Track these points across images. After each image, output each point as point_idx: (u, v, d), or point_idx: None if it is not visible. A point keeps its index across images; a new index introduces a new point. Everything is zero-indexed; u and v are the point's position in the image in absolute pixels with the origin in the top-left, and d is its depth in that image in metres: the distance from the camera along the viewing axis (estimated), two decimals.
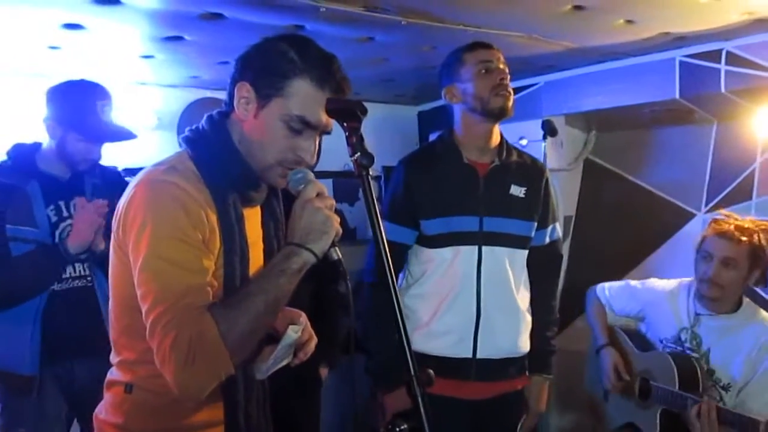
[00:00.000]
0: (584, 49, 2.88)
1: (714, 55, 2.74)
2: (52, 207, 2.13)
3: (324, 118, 1.31)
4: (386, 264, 1.22)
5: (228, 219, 1.31)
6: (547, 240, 2.30)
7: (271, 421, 1.56)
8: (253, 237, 1.40)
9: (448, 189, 2.15)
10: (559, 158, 3.41)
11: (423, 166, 2.21)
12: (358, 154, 1.26)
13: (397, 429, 1.16)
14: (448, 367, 2.11)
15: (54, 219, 2.13)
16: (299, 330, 1.42)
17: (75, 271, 2.17)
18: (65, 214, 2.14)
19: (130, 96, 3.23)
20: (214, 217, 1.28)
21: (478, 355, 2.14)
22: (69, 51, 2.61)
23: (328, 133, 1.36)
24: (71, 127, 2.14)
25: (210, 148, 1.34)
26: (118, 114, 2.36)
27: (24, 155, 2.18)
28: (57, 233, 2.11)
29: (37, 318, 2.09)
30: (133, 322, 1.26)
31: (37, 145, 2.20)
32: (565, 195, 3.55)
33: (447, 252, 2.15)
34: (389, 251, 2.15)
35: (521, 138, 3.33)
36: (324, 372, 2.63)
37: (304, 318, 1.48)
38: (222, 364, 1.19)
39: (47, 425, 2.13)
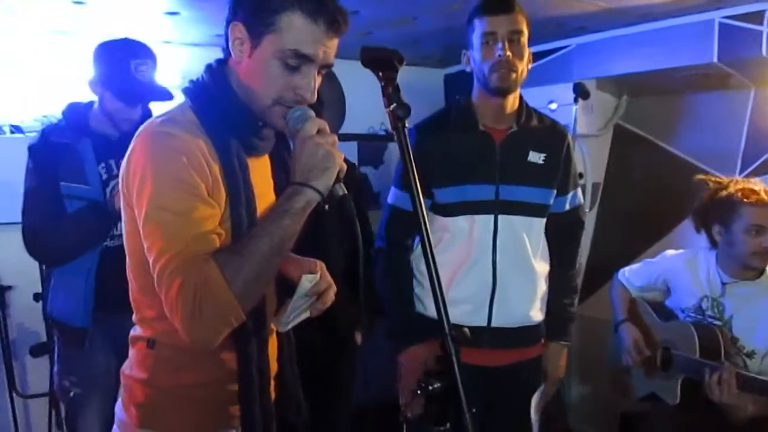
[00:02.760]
0: (618, 10, 2.79)
1: (756, 17, 2.63)
2: (102, 165, 2.15)
3: (321, 51, 1.26)
4: (423, 226, 1.20)
5: (231, 168, 1.28)
6: (567, 207, 2.25)
7: (298, 377, 1.56)
8: (262, 188, 1.38)
9: (463, 156, 2.10)
10: (588, 123, 3.34)
11: (436, 133, 2.16)
12: (394, 104, 1.23)
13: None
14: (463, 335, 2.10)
15: (105, 177, 2.15)
16: (314, 279, 1.40)
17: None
18: (115, 172, 2.16)
19: (157, 56, 3.21)
20: (217, 167, 1.26)
21: (493, 324, 2.12)
22: (93, 6, 2.59)
23: (329, 66, 1.31)
24: (106, 87, 2.15)
25: (208, 96, 1.31)
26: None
27: (77, 114, 2.20)
28: (107, 191, 2.13)
29: (90, 273, 2.13)
30: (150, 280, 1.25)
31: (90, 104, 2.22)
32: (593, 161, 3.48)
33: (462, 221, 2.11)
34: (399, 219, 2.15)
35: (551, 102, 3.26)
36: (359, 337, 2.64)
37: (320, 266, 1.46)
38: (230, 310, 1.17)
39: (96, 376, 2.18)
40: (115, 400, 1.40)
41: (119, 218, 2.15)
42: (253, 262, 1.18)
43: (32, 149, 2.13)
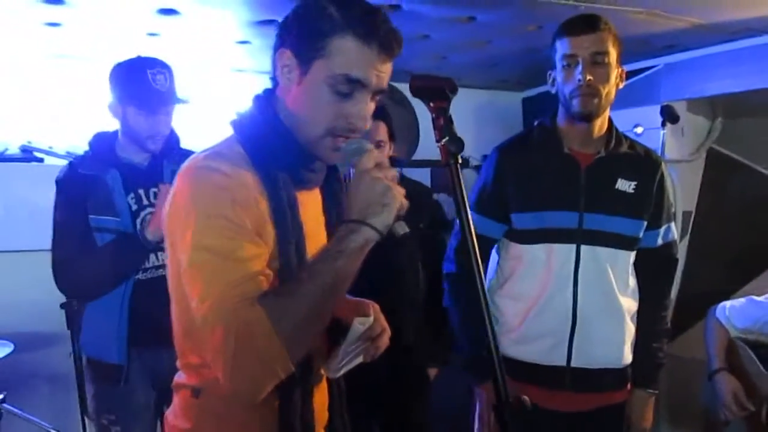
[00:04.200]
0: (712, 26, 2.59)
1: None
2: (132, 195, 2.12)
3: (373, 75, 1.17)
4: (474, 261, 1.10)
5: (280, 203, 1.19)
6: (660, 242, 2.06)
7: (349, 424, 1.45)
8: (312, 223, 1.29)
9: (544, 181, 1.97)
10: (679, 148, 3.13)
11: (518, 155, 2.04)
12: (446, 138, 1.12)
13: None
14: (541, 374, 1.95)
15: (134, 207, 2.12)
16: (367, 322, 1.29)
17: (158, 260, 2.15)
18: (145, 202, 2.13)
19: (228, 83, 3.25)
20: (265, 203, 1.18)
21: (573, 364, 1.97)
22: (167, 38, 2.63)
23: (382, 92, 1.22)
24: (126, 101, 2.11)
25: (256, 128, 1.24)
26: (215, 100, 2.32)
27: (103, 144, 2.18)
28: (138, 222, 2.10)
29: (123, 307, 2.08)
30: (192, 325, 1.16)
31: (115, 134, 2.20)
32: (684, 188, 3.25)
33: (539, 249, 1.97)
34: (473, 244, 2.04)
35: (636, 125, 3.07)
36: (433, 372, 2.52)
37: (374, 309, 1.36)
38: (276, 360, 1.07)
39: (136, 413, 2.13)
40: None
41: (151, 250, 2.16)
42: (303, 306, 1.09)
43: (60, 182, 2.11)
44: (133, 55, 2.17)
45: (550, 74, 1.99)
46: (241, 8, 2.35)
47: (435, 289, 2.23)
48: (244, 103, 3.13)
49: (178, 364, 1.32)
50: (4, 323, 2.67)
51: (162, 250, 2.15)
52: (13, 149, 2.97)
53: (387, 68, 1.19)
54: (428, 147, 2.07)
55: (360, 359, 1.33)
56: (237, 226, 1.12)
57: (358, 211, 1.12)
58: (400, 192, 1.14)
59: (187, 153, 2.31)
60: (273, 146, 1.21)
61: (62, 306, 2.58)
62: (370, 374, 1.52)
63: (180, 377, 1.33)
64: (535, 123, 2.11)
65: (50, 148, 3.02)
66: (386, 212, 1.12)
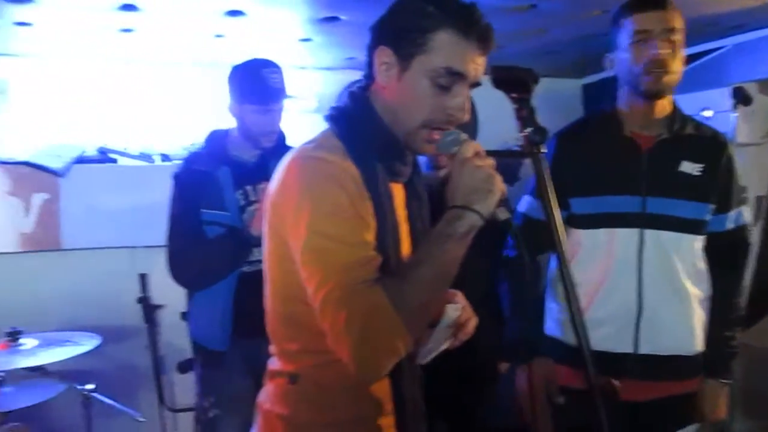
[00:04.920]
0: None
1: None
2: (240, 191, 2.22)
3: (472, 68, 1.21)
4: (560, 251, 1.12)
5: (378, 195, 1.24)
6: (731, 225, 1.99)
7: (424, 411, 1.49)
8: (399, 216, 1.33)
9: (605, 165, 1.94)
10: (750, 131, 3.01)
11: (577, 140, 2.02)
12: (530, 129, 1.14)
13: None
14: (605, 362, 1.91)
15: (242, 203, 2.22)
16: (458, 309, 1.34)
17: (261, 254, 2.24)
18: (252, 197, 2.23)
19: (290, 80, 3.31)
20: (366, 194, 1.23)
21: (640, 350, 1.93)
22: (232, 38, 2.71)
23: (478, 84, 1.25)
24: (243, 98, 2.21)
25: (353, 122, 1.29)
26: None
27: (216, 142, 2.29)
28: (244, 217, 2.19)
29: (228, 297, 2.19)
30: (295, 312, 1.22)
31: (227, 132, 2.31)
32: (756, 172, 3.14)
33: (600, 234, 1.95)
34: (531, 230, 2.03)
35: (704, 109, 2.98)
36: (504, 367, 2.53)
37: (460, 297, 1.40)
38: (399, 338, 1.12)
39: (234, 399, 2.23)
40: (250, 424, 1.40)
41: (256, 244, 2.24)
42: (418, 288, 1.14)
43: (176, 177, 2.24)
44: (205, 59, 2.26)
45: (607, 57, 1.96)
46: (304, 6, 2.40)
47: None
48: (306, 99, 3.20)
49: (273, 351, 1.37)
50: (91, 317, 2.83)
51: None
52: (91, 151, 3.11)
53: (482, 61, 1.23)
54: (487, 137, 2.07)
55: (447, 345, 1.37)
56: (350, 212, 1.17)
57: (462, 197, 1.17)
58: (500, 179, 1.18)
59: (291, 149, 2.39)
60: (371, 139, 1.26)
61: (139, 301, 2.72)
62: (438, 367, 1.55)
63: (274, 364, 1.37)
64: (595, 109, 2.10)
65: (124, 149, 3.16)
66: (489, 198, 1.17)
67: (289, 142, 2.34)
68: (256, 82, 2.19)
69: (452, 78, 1.20)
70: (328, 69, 3.47)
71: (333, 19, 2.54)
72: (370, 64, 1.28)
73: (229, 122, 2.31)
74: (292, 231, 1.19)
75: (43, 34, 2.65)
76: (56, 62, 3.07)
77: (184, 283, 2.25)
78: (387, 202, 1.26)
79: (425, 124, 1.23)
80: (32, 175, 2.87)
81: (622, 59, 1.90)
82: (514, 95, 1.17)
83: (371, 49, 1.27)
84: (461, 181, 1.18)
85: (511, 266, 2.11)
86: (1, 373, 2.24)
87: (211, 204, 2.18)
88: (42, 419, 2.69)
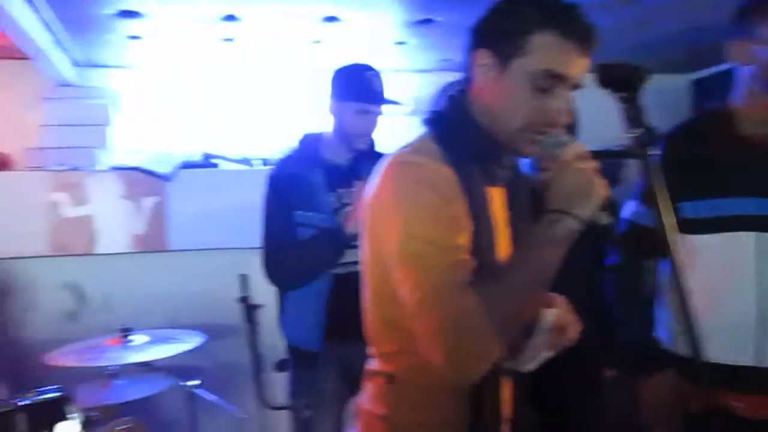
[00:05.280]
0: None
1: None
2: (333, 194, 2.26)
3: (573, 69, 1.18)
4: (673, 258, 1.06)
5: (474, 199, 1.22)
6: None
7: (532, 421, 1.45)
8: (497, 220, 1.31)
9: (718, 166, 1.81)
10: None
11: (687, 140, 1.89)
12: (639, 130, 1.08)
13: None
14: (722, 375, 1.79)
15: (335, 205, 2.25)
16: (556, 314, 1.30)
17: (354, 256, 2.27)
18: (345, 200, 2.25)
19: (386, 84, 3.33)
20: (461, 199, 1.21)
21: (766, 363, 1.79)
22: (328, 44, 2.76)
23: (580, 86, 1.21)
24: (345, 96, 2.24)
25: (450, 125, 1.28)
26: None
27: (310, 145, 2.34)
28: (337, 219, 2.23)
29: (321, 299, 2.22)
30: (391, 314, 1.23)
31: (320, 135, 2.35)
32: None
33: (714, 239, 1.82)
34: (637, 236, 1.93)
35: None
36: (609, 372, 2.44)
37: (561, 301, 1.35)
38: (490, 343, 1.11)
39: (326, 401, 2.26)
40: (344, 425, 1.41)
41: (350, 246, 2.27)
42: (512, 293, 1.12)
43: (270, 180, 2.29)
44: (302, 64, 2.31)
45: (738, 45, 1.81)
46: (399, 9, 2.41)
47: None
48: (403, 102, 3.20)
49: (371, 351, 1.38)
50: (195, 315, 2.95)
51: (358, 246, 2.26)
52: (195, 157, 3.25)
53: (585, 62, 1.19)
54: (586, 138, 1.98)
55: (549, 353, 1.33)
56: (444, 216, 1.16)
57: (562, 201, 1.14)
58: (602, 183, 1.14)
59: (380, 154, 2.42)
60: (469, 142, 1.25)
61: (239, 301, 2.80)
62: (541, 373, 1.51)
63: (372, 365, 1.38)
64: (706, 107, 1.97)
65: (226, 154, 3.28)
66: (590, 202, 1.13)
67: (381, 146, 2.36)
68: (359, 82, 2.23)
69: (552, 81, 1.17)
70: (422, 71, 3.46)
71: (428, 21, 2.53)
72: (467, 67, 1.26)
73: (325, 126, 2.35)
74: (387, 234, 1.20)
75: (152, 46, 2.79)
76: (163, 73, 3.23)
77: (278, 284, 2.30)
78: (483, 205, 1.24)
79: (525, 127, 1.20)
80: (142, 179, 3.03)
81: (764, 52, 1.75)
82: (621, 94, 1.11)
83: (469, 52, 1.25)
84: (561, 184, 1.14)
85: (615, 272, 2.03)
86: (115, 367, 2.37)
87: (304, 206, 2.21)
88: (150, 412, 2.83)
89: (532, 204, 1.37)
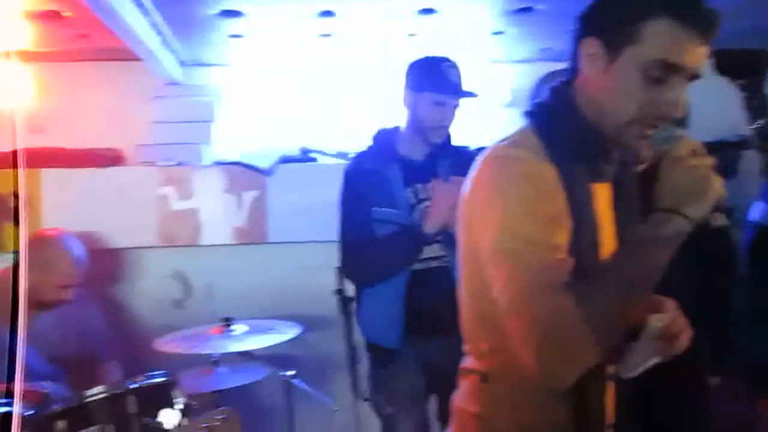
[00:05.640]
0: None
1: None
2: (410, 189, 2.24)
3: (689, 59, 1.09)
4: None
5: (576, 196, 1.17)
6: None
7: (636, 428, 1.38)
8: (602, 218, 1.24)
9: None
10: None
11: None
12: (763, 120, 1.01)
13: None
14: None
15: (412, 201, 2.23)
16: (664, 320, 1.21)
17: (433, 252, 2.25)
18: (422, 196, 2.23)
19: (484, 75, 3.27)
20: (562, 196, 1.16)
21: None
22: (424, 36, 2.73)
23: (697, 77, 1.13)
24: (420, 87, 2.22)
25: (553, 118, 1.22)
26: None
27: (385, 140, 2.33)
28: (415, 215, 2.21)
29: (400, 296, 2.21)
30: (486, 311, 1.20)
31: (396, 129, 2.33)
32: None
33: None
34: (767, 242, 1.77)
35: None
36: (713, 380, 2.30)
37: (671, 306, 1.26)
38: (586, 347, 1.05)
39: (407, 396, 2.27)
40: (427, 419, 1.39)
41: (428, 242, 2.24)
42: (611, 295, 1.06)
43: (346, 176, 2.29)
44: (396, 58, 2.30)
45: None
46: None
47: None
48: (501, 94, 3.13)
49: (465, 348, 1.35)
50: (292, 307, 3.01)
51: (437, 242, 2.25)
52: (294, 151, 3.32)
53: (703, 51, 1.11)
54: (700, 128, 1.84)
55: (655, 359, 1.25)
56: (542, 213, 1.12)
57: (671, 199, 1.06)
58: (718, 181, 1.06)
59: (461, 149, 2.38)
60: (572, 137, 1.19)
61: (336, 292, 2.84)
62: (645, 379, 1.43)
63: (466, 362, 1.36)
64: None
65: (324, 149, 3.33)
66: (702, 202, 1.05)
67: (462, 140, 2.31)
68: (435, 73, 2.19)
69: (667, 71, 1.09)
70: (521, 62, 3.36)
71: (527, 9, 2.46)
72: (574, 57, 1.21)
73: (401, 121, 2.32)
74: (482, 230, 1.17)
75: (252, 44, 2.86)
76: (263, 69, 3.31)
77: (356, 281, 2.30)
78: (585, 203, 1.18)
79: (634, 120, 1.13)
80: (243, 174, 3.12)
81: None
82: (742, 82, 1.02)
83: (576, 40, 1.19)
84: (671, 181, 1.06)
85: (743, 285, 1.88)
86: (217, 355, 2.46)
87: (381, 202, 2.20)
88: (248, 400, 2.93)
89: (641, 201, 1.29)
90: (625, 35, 1.11)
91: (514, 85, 3.38)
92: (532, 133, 1.22)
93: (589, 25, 1.17)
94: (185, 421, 1.88)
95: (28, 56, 2.91)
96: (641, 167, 1.19)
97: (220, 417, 1.50)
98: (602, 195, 1.26)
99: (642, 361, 1.23)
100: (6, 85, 2.63)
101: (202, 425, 1.48)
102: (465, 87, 2.24)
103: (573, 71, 1.22)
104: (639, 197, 1.28)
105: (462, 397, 1.36)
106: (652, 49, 1.09)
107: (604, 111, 1.17)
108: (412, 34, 2.74)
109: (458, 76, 2.22)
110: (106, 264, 3.06)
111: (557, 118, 1.21)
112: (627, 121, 1.14)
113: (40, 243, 2.46)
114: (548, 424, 1.25)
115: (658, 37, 1.09)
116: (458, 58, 2.28)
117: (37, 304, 2.37)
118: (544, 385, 1.12)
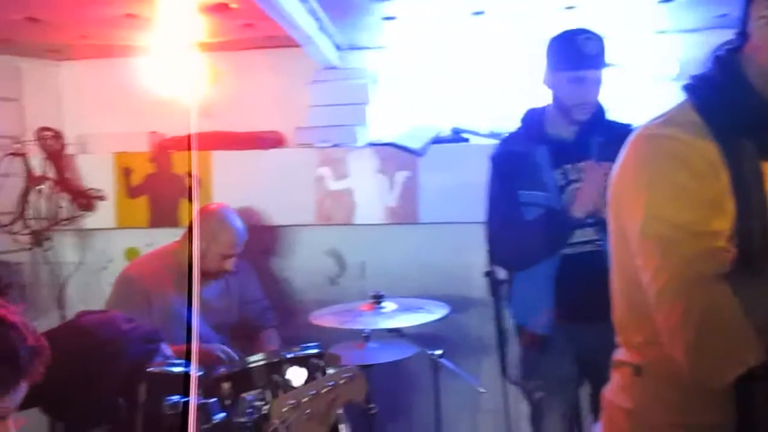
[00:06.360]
0: None
1: None
2: (559, 171, 2.16)
3: None
4: None
5: (742, 176, 1.06)
6: None
7: None
8: None
9: None
10: None
11: None
12: None
13: None
14: None
15: (561, 183, 2.15)
16: None
17: (585, 236, 2.16)
18: (571, 177, 2.15)
19: (650, 46, 3.07)
20: (725, 175, 1.06)
21: None
22: (583, 8, 2.60)
23: None
24: (556, 66, 2.14)
25: (717, 91, 1.12)
26: (639, 66, 2.24)
27: (533, 121, 2.27)
28: (564, 197, 2.13)
29: (550, 281, 2.16)
30: (639, 300, 1.13)
31: (544, 110, 2.26)
32: None
33: None
34: None
35: None
36: None
37: None
38: (746, 345, 0.97)
39: (559, 382, 2.22)
40: (578, 407, 1.33)
41: (578, 226, 2.13)
42: None
43: (493, 159, 2.25)
44: (556, 32, 2.22)
45: None
46: None
47: None
48: (667, 66, 2.90)
49: (618, 340, 1.30)
50: (441, 287, 3.04)
51: (589, 225, 2.16)
52: (445, 132, 3.31)
53: None
54: None
55: None
56: (696, 197, 1.05)
57: None
58: None
59: (616, 124, 2.26)
60: (739, 110, 1.09)
61: (486, 274, 2.81)
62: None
63: (618, 354, 1.30)
64: None
65: (475, 129, 3.29)
66: None
67: (616, 112, 2.17)
68: (569, 49, 2.10)
69: None
70: (690, 31, 3.09)
71: None
72: (744, 20, 1.10)
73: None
74: (630, 214, 1.11)
75: (405, 25, 2.88)
76: (415, 51, 3.32)
77: (504, 264, 2.27)
78: (753, 183, 1.06)
79: None
80: (396, 155, 3.16)
81: None
82: None
83: (746, 3, 1.09)
84: None
85: None
86: (368, 331, 2.54)
87: (529, 185, 2.14)
88: (397, 376, 3.00)
89: None
90: None
91: (683, 57, 3.12)
92: (692, 108, 1.12)
93: None
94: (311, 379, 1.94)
95: (201, 46, 3.14)
96: None
97: (345, 375, 1.54)
98: None
99: None
100: (183, 74, 2.86)
101: (328, 383, 1.53)
102: (609, 59, 2.12)
103: (742, 37, 1.11)
104: None
105: (613, 390, 1.30)
106: None
107: None
108: (570, 7, 2.62)
109: (598, 47, 2.11)
110: (265, 239, 3.26)
111: (722, 90, 1.11)
112: None
113: (205, 215, 2.66)
114: (708, 428, 1.15)
115: None
116: (619, 30, 2.15)
117: (202, 274, 2.57)
118: (695, 384, 1.05)
